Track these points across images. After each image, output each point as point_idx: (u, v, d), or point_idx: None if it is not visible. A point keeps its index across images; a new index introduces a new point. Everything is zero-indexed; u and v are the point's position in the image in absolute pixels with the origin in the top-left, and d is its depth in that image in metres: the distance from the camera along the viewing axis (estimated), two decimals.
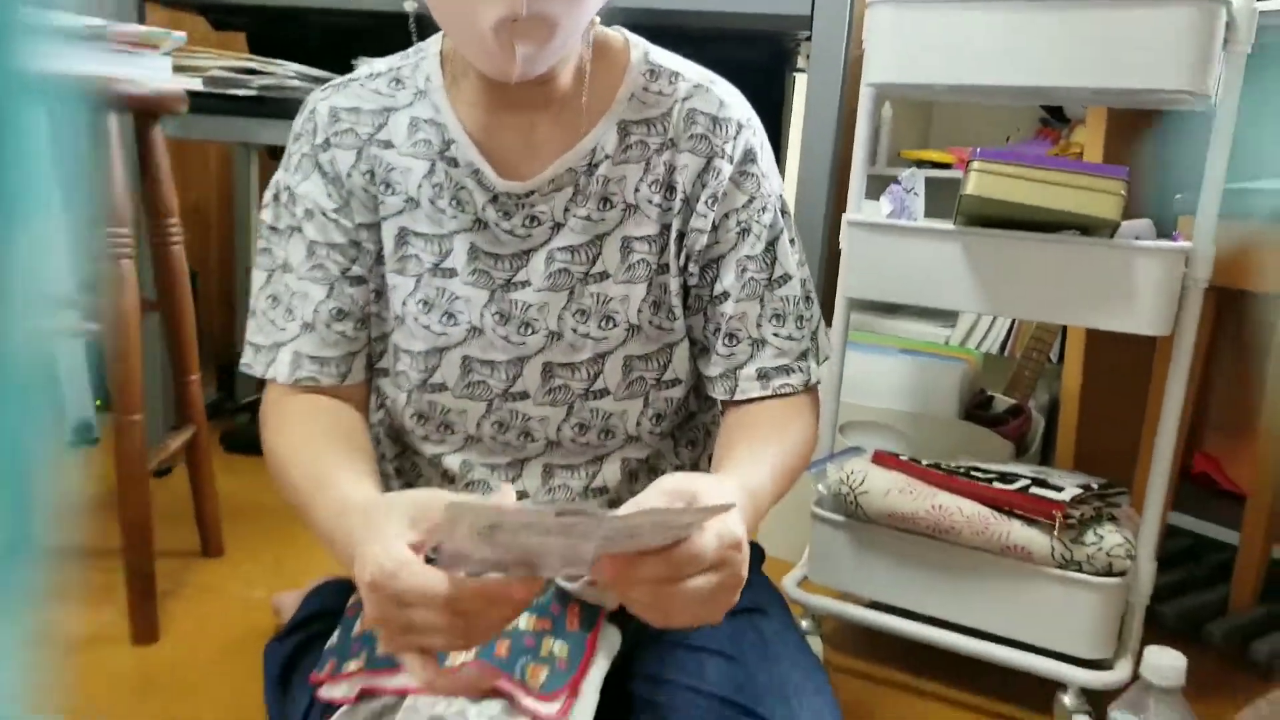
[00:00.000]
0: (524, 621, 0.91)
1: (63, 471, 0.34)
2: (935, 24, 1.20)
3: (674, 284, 0.97)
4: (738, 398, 0.97)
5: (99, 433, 2.24)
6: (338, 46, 2.05)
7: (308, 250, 0.95)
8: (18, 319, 0.31)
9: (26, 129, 0.30)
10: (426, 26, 0.95)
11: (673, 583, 0.70)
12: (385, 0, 1.75)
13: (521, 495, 1.01)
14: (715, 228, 0.95)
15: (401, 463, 1.07)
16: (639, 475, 1.03)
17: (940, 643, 1.30)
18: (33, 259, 0.30)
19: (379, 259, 0.97)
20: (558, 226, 0.95)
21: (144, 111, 1.40)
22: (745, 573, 0.72)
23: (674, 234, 0.96)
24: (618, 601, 0.90)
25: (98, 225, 1.30)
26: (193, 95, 1.52)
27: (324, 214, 0.95)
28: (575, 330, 0.96)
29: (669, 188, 0.95)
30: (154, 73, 1.35)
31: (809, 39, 1.66)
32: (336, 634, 1.00)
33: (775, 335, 0.97)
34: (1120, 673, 1.23)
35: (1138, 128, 1.65)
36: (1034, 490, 1.24)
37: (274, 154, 2.56)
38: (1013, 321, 1.99)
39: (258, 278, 0.99)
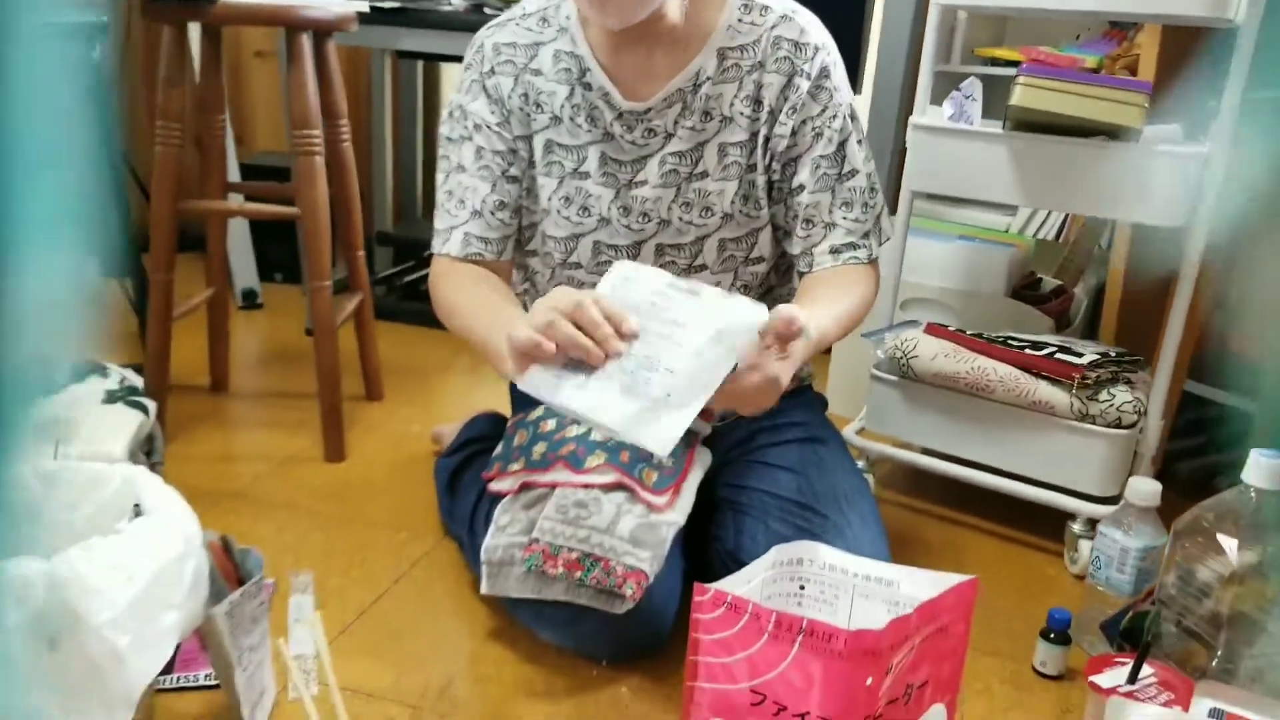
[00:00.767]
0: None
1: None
2: None
3: (760, 180, 1.22)
4: (815, 270, 1.23)
5: (262, 298, 2.60)
6: None
7: (476, 154, 1.23)
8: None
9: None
10: None
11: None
12: None
13: None
14: (794, 132, 1.20)
15: None
16: None
17: (975, 481, 1.57)
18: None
19: (530, 163, 1.25)
20: (669, 136, 1.21)
21: (322, 31, 1.68)
22: (775, 372, 0.96)
23: (761, 139, 1.21)
24: (709, 429, 1.21)
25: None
26: None
27: (489, 127, 1.23)
28: (681, 218, 1.22)
29: (757, 101, 1.20)
30: None
31: None
32: (500, 445, 1.32)
33: (844, 219, 1.23)
34: None
35: (1188, 38, 1.81)
36: (1058, 356, 1.49)
37: (401, 55, 2.83)
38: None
39: (439, 178, 1.28)
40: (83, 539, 0.90)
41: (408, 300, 2.62)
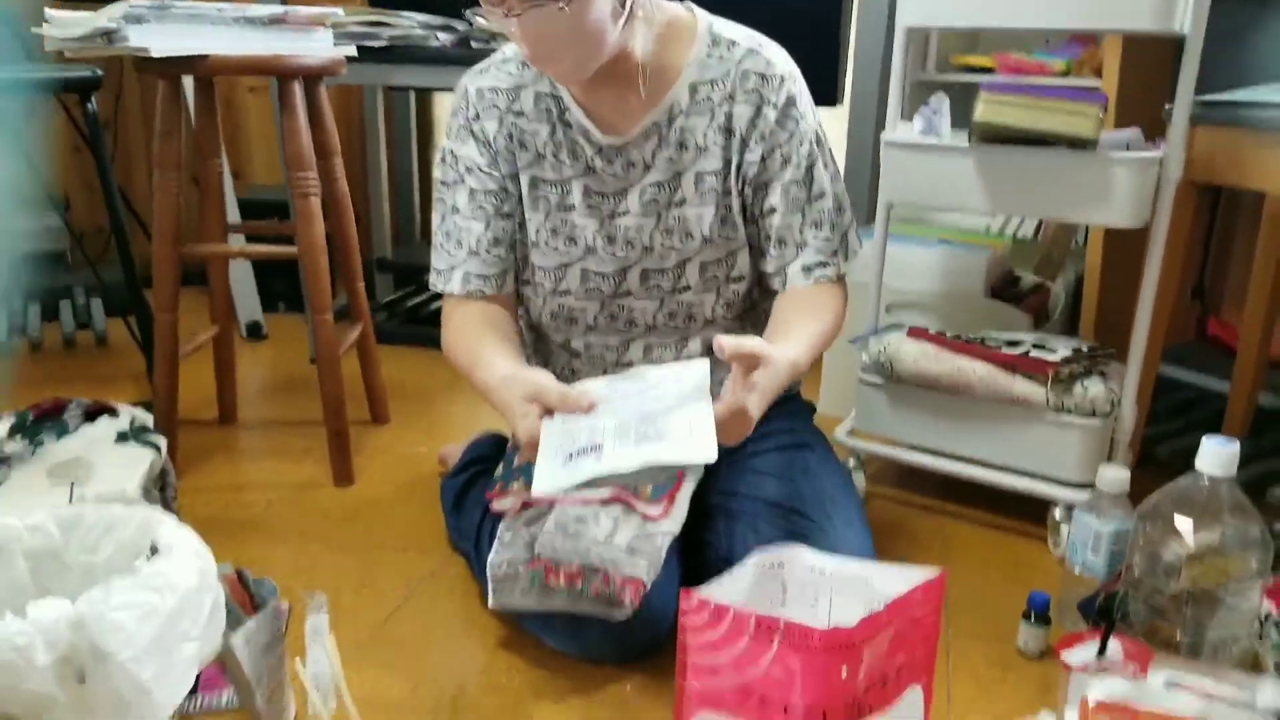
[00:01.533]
0: None
1: None
2: None
3: (735, 204, 1.28)
4: (789, 288, 1.30)
5: (266, 330, 2.67)
6: None
7: (469, 196, 1.30)
8: None
9: None
10: None
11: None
12: None
13: (628, 366, 1.36)
14: (764, 158, 1.26)
15: (538, 346, 1.43)
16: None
17: (959, 473, 1.63)
18: None
19: (519, 200, 1.31)
20: (647, 167, 1.27)
21: (312, 77, 1.75)
22: (741, 403, 1.03)
23: (733, 166, 1.27)
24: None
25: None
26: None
27: (480, 169, 1.29)
28: (663, 244, 1.29)
29: (728, 131, 1.26)
30: (322, 45, 1.70)
31: None
32: (501, 466, 1.38)
33: (814, 238, 1.29)
34: None
35: (1149, 43, 1.88)
36: (1033, 353, 1.55)
37: (392, 89, 2.90)
38: None
39: (435, 219, 1.34)
40: (103, 579, 0.96)
41: (410, 324, 2.69)
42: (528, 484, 1.29)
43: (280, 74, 1.66)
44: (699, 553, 1.30)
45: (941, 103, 1.64)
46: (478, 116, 1.29)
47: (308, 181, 1.68)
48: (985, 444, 1.61)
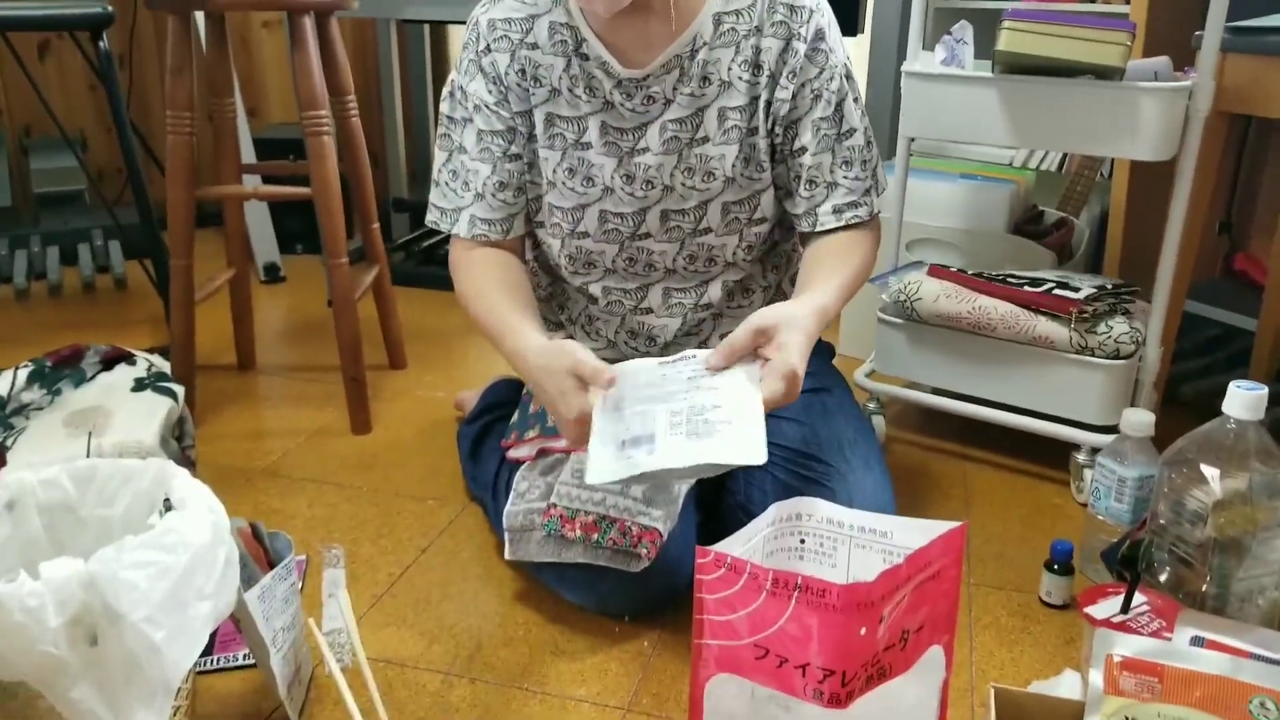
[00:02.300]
0: None
1: None
2: None
3: (762, 144, 1.24)
4: (818, 229, 1.27)
5: (284, 272, 2.66)
6: None
7: (477, 137, 1.26)
8: None
9: None
10: None
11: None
12: None
13: (647, 312, 1.34)
14: (794, 95, 1.22)
15: (554, 289, 1.41)
16: (735, 294, 1.35)
17: (981, 417, 1.61)
18: None
19: (531, 138, 1.27)
20: (668, 102, 1.23)
21: (324, 11, 1.71)
22: (798, 390, 1.04)
23: (762, 103, 1.23)
24: None
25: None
26: None
27: (488, 107, 1.25)
28: (684, 184, 1.25)
29: (756, 66, 1.22)
30: None
31: None
32: (517, 414, 1.37)
33: (845, 178, 1.25)
34: None
35: None
36: (1056, 291, 1.52)
37: (406, 22, 2.84)
38: None
39: (439, 156, 1.31)
40: (118, 533, 0.95)
41: (426, 265, 2.67)
42: (544, 431, 1.29)
43: (291, 8, 1.62)
44: (717, 501, 1.30)
45: (964, 31, 1.59)
46: (488, 50, 1.25)
47: (320, 120, 1.65)
48: (1007, 386, 1.58)
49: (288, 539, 1.05)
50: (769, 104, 1.23)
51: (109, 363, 1.53)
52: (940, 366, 1.64)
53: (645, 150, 1.24)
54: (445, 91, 1.30)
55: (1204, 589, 1.08)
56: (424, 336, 2.21)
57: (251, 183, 1.98)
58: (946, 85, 1.53)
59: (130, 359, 1.56)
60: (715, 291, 1.33)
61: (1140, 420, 1.28)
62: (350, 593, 1.13)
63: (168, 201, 1.69)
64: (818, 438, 1.26)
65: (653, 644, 1.20)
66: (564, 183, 1.27)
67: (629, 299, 1.34)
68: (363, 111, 1.92)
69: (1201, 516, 1.06)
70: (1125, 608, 1.02)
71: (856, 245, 1.25)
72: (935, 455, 1.69)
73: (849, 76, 1.25)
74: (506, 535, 1.21)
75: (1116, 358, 1.49)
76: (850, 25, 2.08)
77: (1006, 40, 1.40)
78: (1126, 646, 0.88)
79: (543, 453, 1.27)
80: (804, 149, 1.24)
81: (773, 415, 1.30)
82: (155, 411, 1.44)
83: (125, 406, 1.44)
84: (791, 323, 1.05)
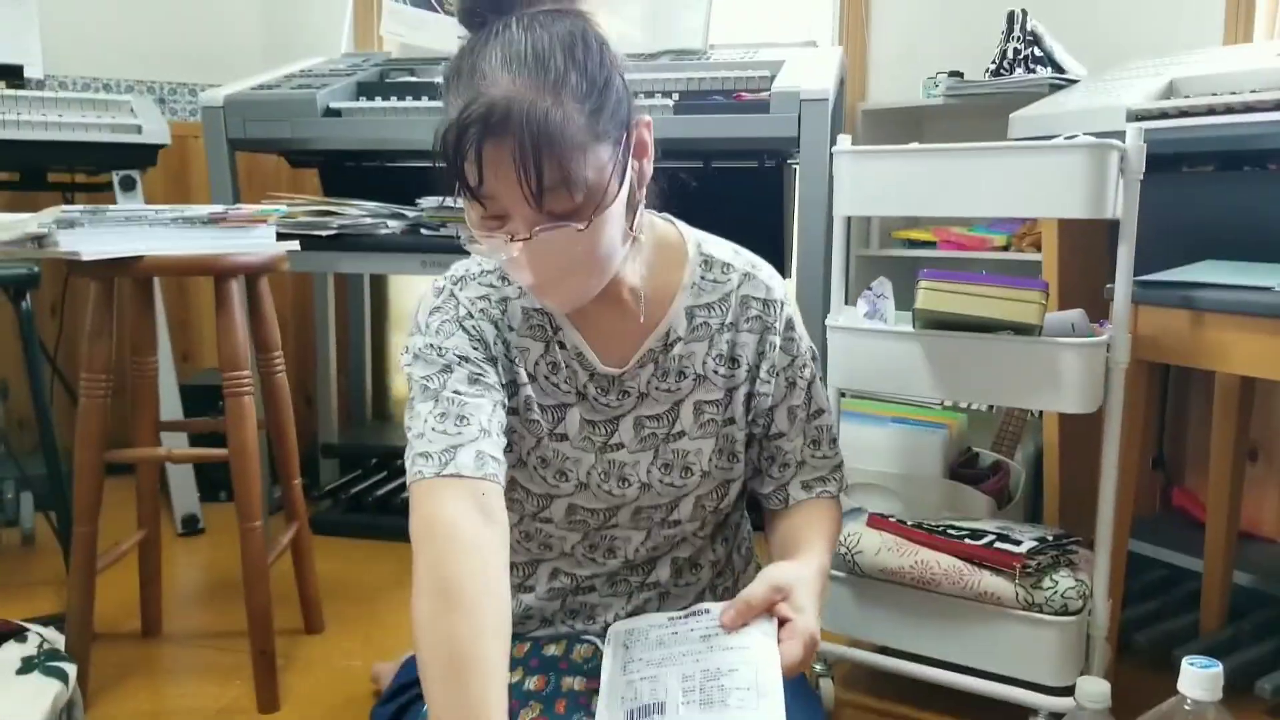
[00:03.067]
0: (577, 684, 1.16)
1: None
2: (884, 170, 1.47)
3: (739, 435, 1.22)
4: (790, 504, 1.24)
5: (204, 523, 2.55)
6: (403, 183, 2.37)
7: (469, 380, 1.11)
8: None
9: None
10: None
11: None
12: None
13: (592, 582, 1.26)
14: (774, 387, 1.21)
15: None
16: (683, 570, 1.29)
17: (933, 679, 1.53)
18: None
19: (512, 410, 1.17)
20: (643, 396, 1.19)
21: (253, 274, 1.71)
22: (807, 628, 1.00)
23: (741, 395, 1.20)
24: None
25: None
26: (279, 236, 1.78)
27: (473, 361, 1.12)
28: (661, 481, 1.20)
29: (733, 360, 1.20)
30: (263, 241, 1.66)
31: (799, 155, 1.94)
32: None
33: (813, 456, 1.25)
34: None
35: (1086, 222, 1.89)
36: (998, 545, 1.48)
37: (340, 277, 2.88)
38: None
39: (420, 410, 1.09)
40: None
41: (353, 513, 2.58)
42: None
43: (216, 273, 1.61)
44: None
45: (884, 286, 1.62)
46: (470, 316, 1.15)
47: (242, 381, 1.61)
48: (956, 645, 1.51)
49: None
50: (749, 396, 1.21)
51: None
52: (887, 623, 1.57)
53: (620, 446, 1.19)
54: (409, 357, 1.14)
55: None
56: (344, 593, 2.09)
57: (165, 449, 1.90)
58: (872, 340, 1.54)
59: (21, 635, 1.46)
60: (664, 571, 1.27)
61: (1096, 691, 1.21)
62: None
63: (75, 464, 1.62)
64: None
65: None
66: (536, 469, 1.19)
67: (574, 582, 1.26)
68: (297, 354, 1.89)
69: None
70: None
71: (829, 511, 1.25)
72: None
73: (814, 357, 1.26)
74: None
75: (1065, 613, 1.43)
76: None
77: (924, 299, 1.43)
78: None
79: None
80: (781, 434, 1.23)
81: None
82: (40, 697, 1.33)
83: (9, 692, 1.34)
84: (804, 583, 1.04)
